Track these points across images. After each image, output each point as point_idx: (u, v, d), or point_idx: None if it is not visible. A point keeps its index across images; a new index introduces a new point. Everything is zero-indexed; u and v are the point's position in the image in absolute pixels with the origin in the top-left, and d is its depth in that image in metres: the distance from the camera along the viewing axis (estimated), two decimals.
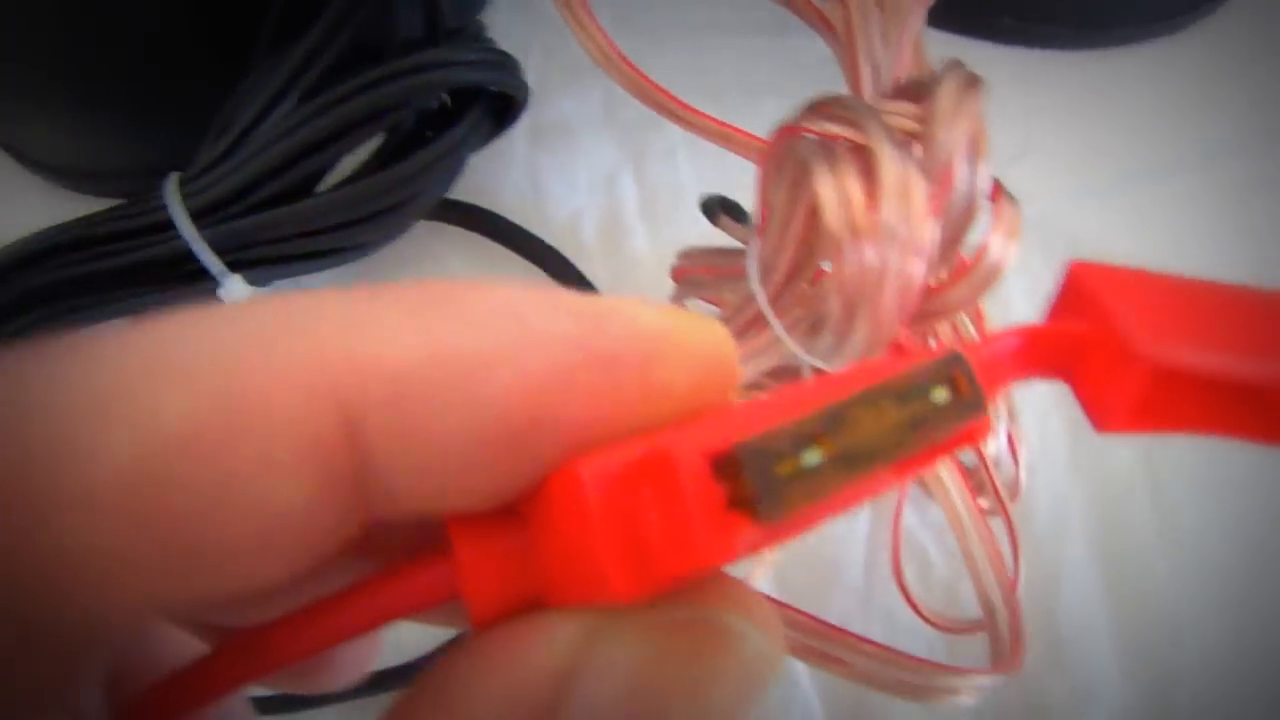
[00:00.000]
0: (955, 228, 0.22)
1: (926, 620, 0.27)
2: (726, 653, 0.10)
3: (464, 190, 0.31)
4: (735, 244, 0.27)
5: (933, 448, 0.11)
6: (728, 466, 0.10)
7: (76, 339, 0.10)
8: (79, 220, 0.28)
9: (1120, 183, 0.33)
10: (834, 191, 0.21)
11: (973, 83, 0.22)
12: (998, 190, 0.23)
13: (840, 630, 0.21)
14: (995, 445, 0.27)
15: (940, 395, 0.11)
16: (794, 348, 0.24)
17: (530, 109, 0.31)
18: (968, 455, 0.27)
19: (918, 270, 0.21)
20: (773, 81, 0.33)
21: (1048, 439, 0.30)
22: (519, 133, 0.32)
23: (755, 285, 0.23)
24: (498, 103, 0.28)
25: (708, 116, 0.28)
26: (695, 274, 0.27)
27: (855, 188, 0.21)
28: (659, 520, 0.10)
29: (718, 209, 0.28)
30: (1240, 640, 0.29)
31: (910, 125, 0.22)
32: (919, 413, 0.10)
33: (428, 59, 0.26)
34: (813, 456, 0.10)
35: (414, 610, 0.11)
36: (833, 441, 0.10)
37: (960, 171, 0.21)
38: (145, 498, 0.09)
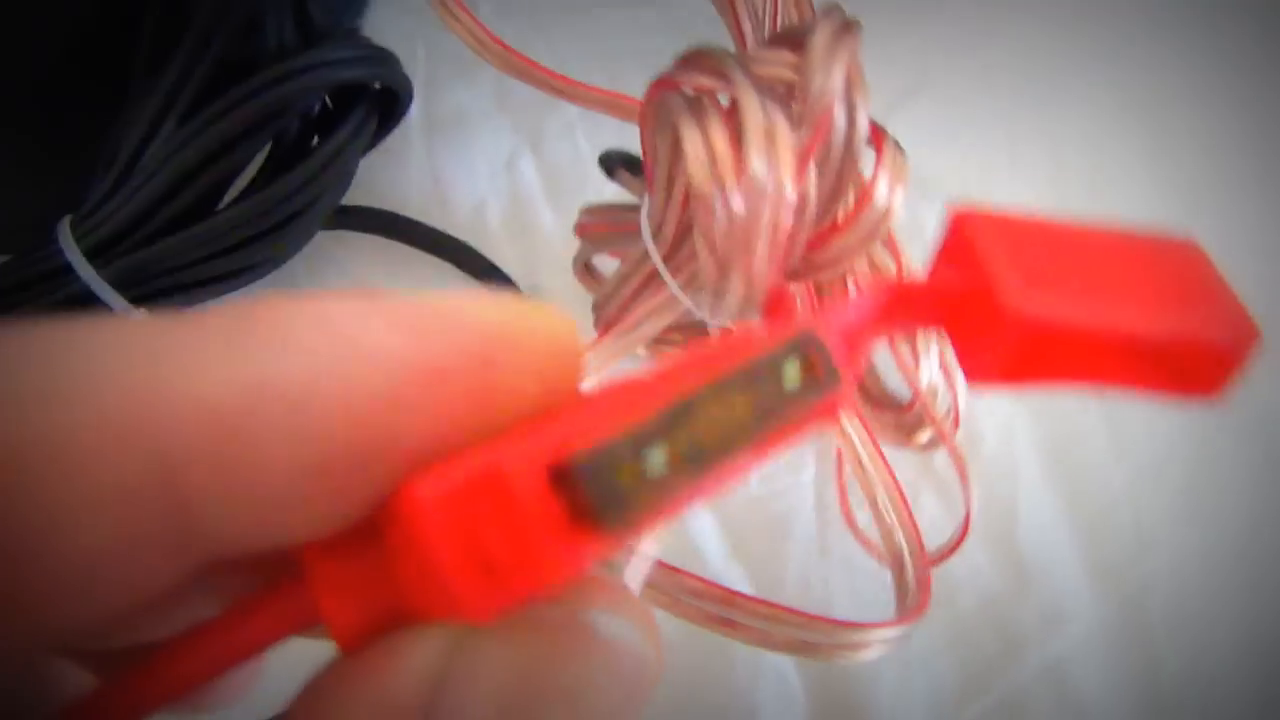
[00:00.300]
0: (835, 176, 0.22)
1: (880, 557, 0.27)
2: (598, 652, 0.10)
3: (366, 194, 0.30)
4: (634, 199, 0.27)
5: (785, 431, 0.10)
6: (566, 478, 0.09)
7: None
8: None
9: (1015, 110, 0.33)
10: (700, 147, 0.21)
11: (848, 27, 0.22)
12: (882, 137, 0.23)
13: (737, 594, 0.21)
14: (929, 375, 0.27)
15: (791, 377, 0.10)
16: (689, 304, 0.23)
17: (423, 104, 0.31)
18: (903, 389, 0.27)
19: (787, 221, 0.21)
20: (664, 48, 0.33)
21: None
22: (414, 130, 0.32)
23: (649, 242, 0.23)
24: (382, 99, 0.28)
25: (593, 88, 0.28)
26: (596, 230, 0.27)
27: (722, 141, 0.21)
28: (501, 538, 0.09)
29: (616, 164, 0.28)
30: (1207, 543, 0.29)
31: (785, 74, 0.22)
32: (767, 399, 0.10)
33: (301, 62, 0.25)
34: (656, 459, 0.09)
35: (277, 639, 0.10)
36: (676, 441, 0.09)
37: (837, 118, 0.21)
38: None
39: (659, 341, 0.27)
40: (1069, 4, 0.34)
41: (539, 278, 0.30)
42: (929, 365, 0.27)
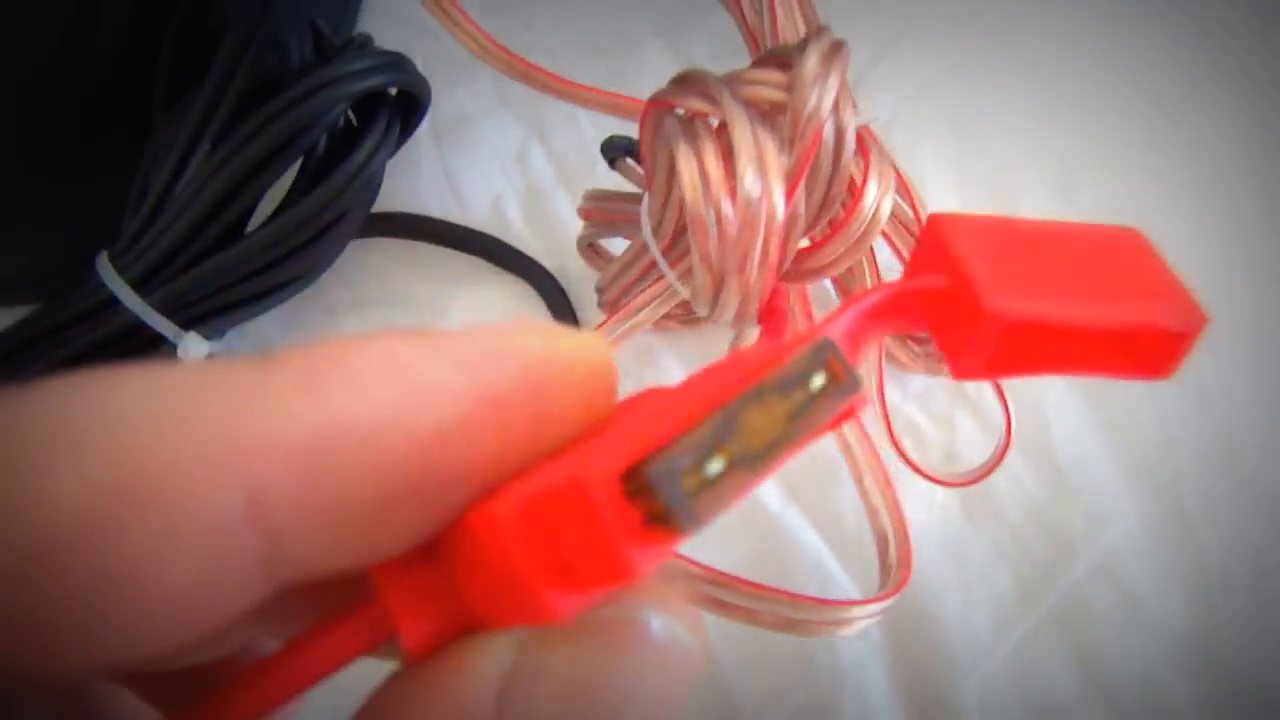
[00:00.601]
0: (824, 191, 0.23)
1: (932, 479, 0.29)
2: (652, 647, 0.11)
3: (384, 203, 0.31)
4: (635, 188, 0.28)
5: (817, 430, 0.11)
6: (639, 487, 0.10)
7: None
8: (20, 322, 0.28)
9: (992, 61, 0.35)
10: (694, 171, 0.22)
11: (837, 49, 0.23)
12: (868, 148, 0.24)
13: (726, 575, 0.22)
14: None
15: (818, 381, 0.11)
16: (687, 295, 0.25)
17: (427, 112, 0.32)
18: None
19: (779, 237, 0.22)
20: (652, 26, 0.34)
21: None
22: (424, 137, 0.33)
23: (649, 237, 0.25)
24: (400, 104, 0.29)
25: (593, 89, 0.30)
26: (598, 216, 0.28)
27: (714, 165, 0.22)
28: (582, 544, 0.10)
29: (618, 152, 0.29)
30: (1227, 431, 0.31)
31: (776, 96, 0.23)
32: (801, 402, 0.11)
33: (324, 76, 0.26)
34: (715, 465, 0.10)
35: (353, 656, 0.11)
36: (730, 446, 0.11)
37: (826, 138, 0.22)
38: (33, 577, 0.09)
39: (662, 319, 0.28)
40: None
41: (562, 259, 0.31)
42: None
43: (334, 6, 0.32)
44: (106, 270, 0.28)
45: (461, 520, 0.11)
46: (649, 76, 0.32)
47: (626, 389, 0.29)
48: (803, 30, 0.28)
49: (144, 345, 0.28)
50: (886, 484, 0.27)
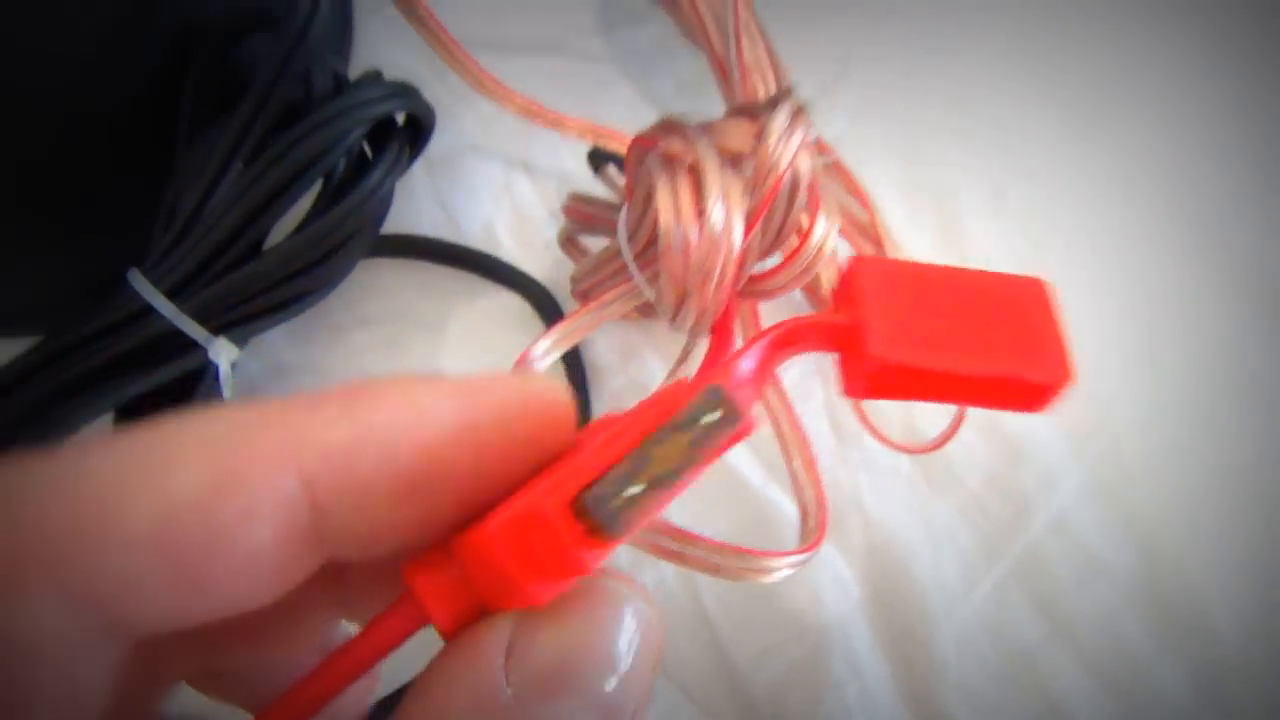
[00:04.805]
0: (778, 229, 0.30)
1: (896, 447, 0.35)
2: (608, 610, 0.17)
3: (387, 227, 0.38)
4: (613, 196, 0.35)
5: (712, 454, 0.17)
6: (580, 509, 0.16)
7: (111, 437, 0.16)
8: (61, 331, 0.34)
9: (933, 85, 0.43)
10: (669, 204, 0.29)
11: (801, 111, 0.30)
12: (819, 196, 0.31)
13: (679, 530, 0.29)
14: None
15: (709, 418, 0.17)
16: (650, 295, 0.31)
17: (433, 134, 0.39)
18: None
19: (734, 265, 0.29)
20: (622, 69, 0.42)
21: None
22: (418, 170, 0.39)
23: (623, 243, 0.31)
24: (409, 129, 0.35)
25: (576, 120, 0.37)
26: (579, 215, 0.35)
27: (687, 200, 0.29)
28: (548, 551, 0.16)
29: (604, 161, 0.36)
30: (1159, 393, 0.38)
31: (743, 145, 0.30)
32: (698, 435, 0.16)
33: (345, 104, 0.33)
34: (634, 489, 0.16)
35: (402, 639, 0.18)
36: (645, 473, 0.16)
37: (784, 187, 0.29)
38: (163, 543, 0.15)
39: (623, 317, 0.35)
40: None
41: (550, 275, 0.38)
42: None
43: (335, 46, 0.39)
44: (141, 283, 0.33)
45: (466, 535, 0.17)
46: (620, 113, 0.40)
47: (613, 383, 0.36)
48: (765, 58, 0.35)
49: (175, 351, 0.34)
50: (811, 463, 0.33)
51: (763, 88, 0.35)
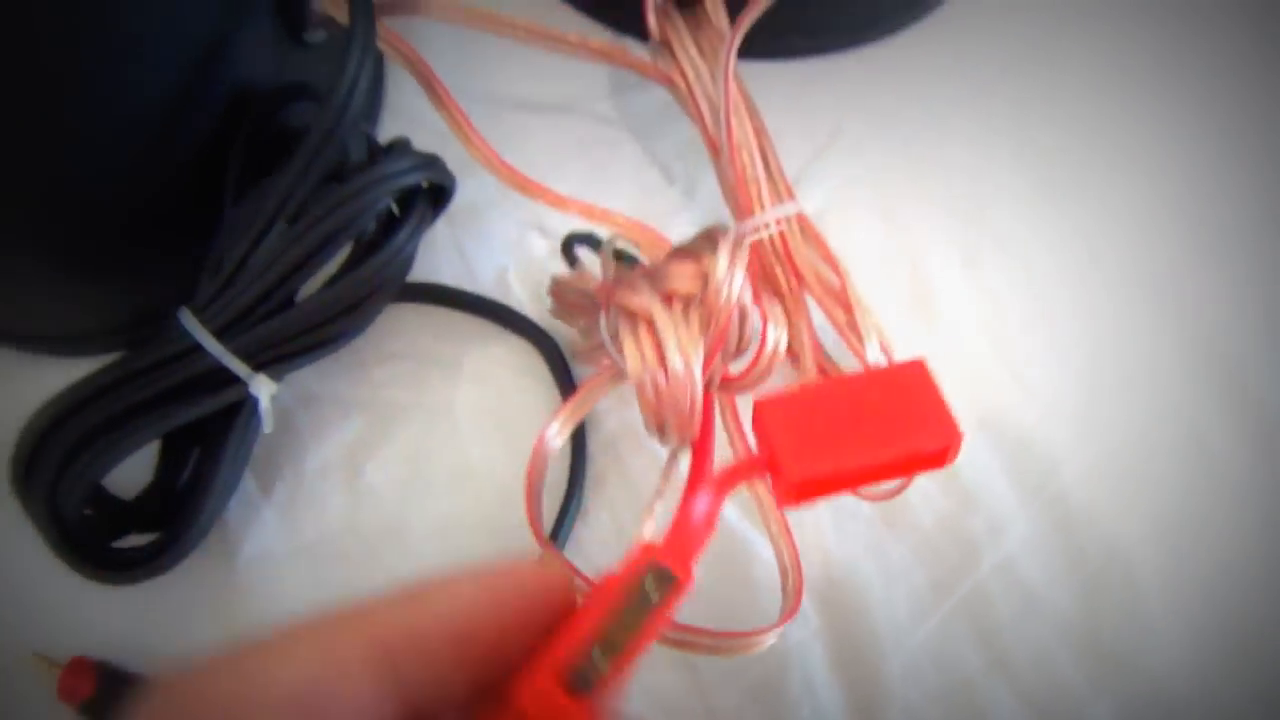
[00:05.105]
0: (735, 348, 0.35)
1: (858, 495, 0.40)
2: None
3: (410, 275, 0.42)
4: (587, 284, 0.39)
5: (661, 615, 0.23)
6: (567, 683, 0.21)
7: (231, 654, 0.21)
8: (111, 365, 0.38)
9: (913, 156, 0.47)
10: (635, 355, 0.34)
11: (739, 246, 0.34)
12: (766, 310, 0.35)
13: (684, 626, 0.35)
14: (874, 353, 0.39)
15: (652, 589, 0.23)
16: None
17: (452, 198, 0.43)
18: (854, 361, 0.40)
19: (699, 396, 0.34)
20: (629, 132, 0.46)
21: (913, 339, 0.43)
22: (440, 222, 0.44)
23: (608, 342, 0.36)
24: (431, 194, 0.40)
25: (574, 201, 0.41)
26: (562, 304, 0.40)
27: (650, 351, 0.34)
28: (555, 714, 0.21)
29: (577, 243, 0.40)
30: (1102, 457, 0.42)
31: (692, 288, 0.34)
32: (644, 605, 0.22)
33: (378, 174, 0.37)
34: (601, 660, 0.21)
35: None
36: (606, 646, 0.21)
37: (735, 318, 0.34)
38: (286, 712, 0.20)
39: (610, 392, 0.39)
40: (965, 78, 0.49)
41: (557, 323, 0.42)
42: (873, 346, 0.39)
43: (368, 112, 0.44)
44: (191, 323, 0.38)
45: (507, 700, 0.22)
46: (625, 171, 0.44)
47: (609, 424, 0.40)
48: (752, 137, 0.40)
49: (218, 385, 0.38)
50: (786, 532, 0.38)
51: (750, 163, 0.39)
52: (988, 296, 0.44)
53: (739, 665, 0.38)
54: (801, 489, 0.26)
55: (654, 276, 0.35)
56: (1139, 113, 0.48)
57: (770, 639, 0.35)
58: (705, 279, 0.34)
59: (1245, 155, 0.47)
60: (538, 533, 0.37)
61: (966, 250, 0.45)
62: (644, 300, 0.34)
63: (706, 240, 0.35)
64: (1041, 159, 0.47)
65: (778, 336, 0.35)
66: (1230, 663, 0.39)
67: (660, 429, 0.35)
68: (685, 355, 0.34)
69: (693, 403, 0.34)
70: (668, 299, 0.34)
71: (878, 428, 0.25)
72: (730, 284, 0.33)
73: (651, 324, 0.34)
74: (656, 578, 0.22)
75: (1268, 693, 0.39)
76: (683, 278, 0.34)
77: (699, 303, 0.34)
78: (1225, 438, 0.42)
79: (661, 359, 0.34)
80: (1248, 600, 0.40)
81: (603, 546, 0.40)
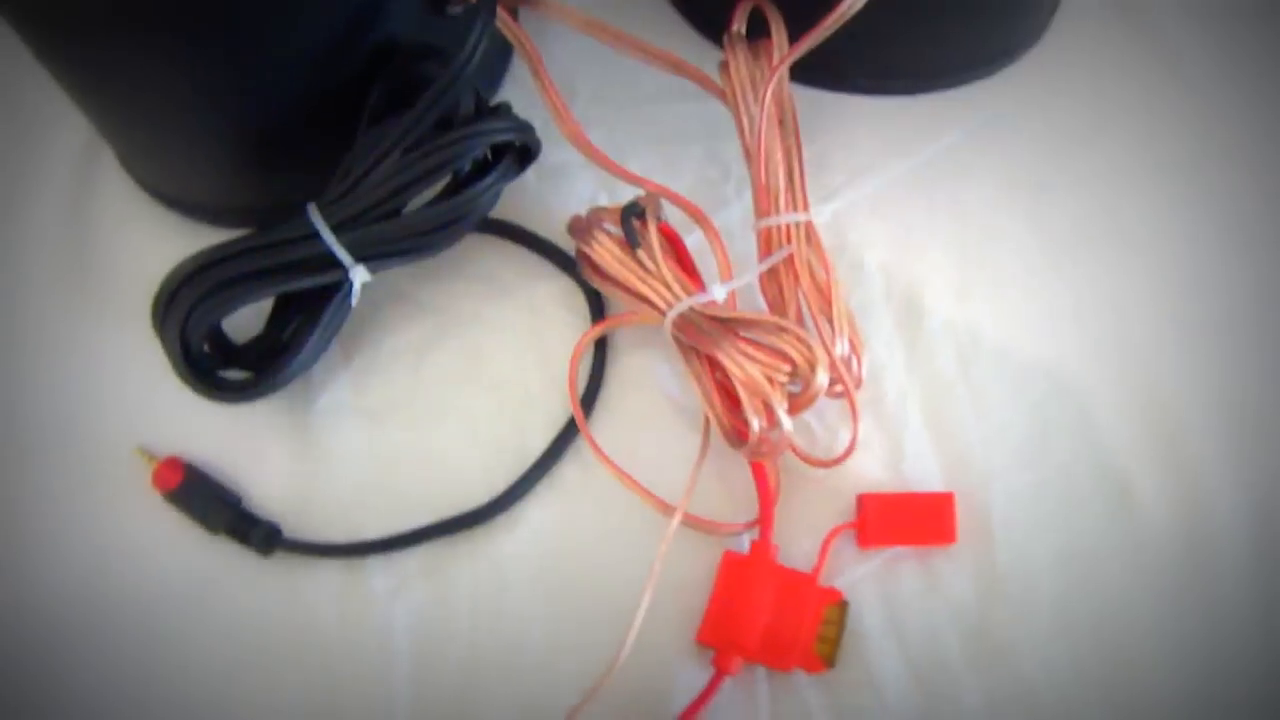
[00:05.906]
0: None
1: (809, 460, 0.49)
2: None
3: (499, 213, 0.52)
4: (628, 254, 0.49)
5: None
6: None
7: None
8: (244, 237, 0.49)
9: (933, 186, 0.55)
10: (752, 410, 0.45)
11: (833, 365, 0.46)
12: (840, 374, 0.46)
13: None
14: (842, 349, 0.48)
15: None
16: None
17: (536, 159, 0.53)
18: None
19: (789, 433, 0.45)
20: (699, 129, 0.56)
21: (894, 351, 0.52)
22: (531, 174, 0.54)
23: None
24: (521, 152, 0.50)
25: (642, 179, 0.51)
26: (597, 278, 0.49)
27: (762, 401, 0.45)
28: None
29: (631, 220, 0.50)
30: (1030, 478, 0.49)
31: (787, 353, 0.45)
32: None
33: (481, 128, 0.47)
34: None
35: None
36: None
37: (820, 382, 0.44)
38: None
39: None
40: (973, 122, 0.57)
41: None
42: (843, 338, 0.48)
43: (489, 77, 0.54)
44: (315, 215, 0.48)
45: None
46: (690, 165, 0.54)
47: (629, 359, 0.51)
48: (780, 151, 0.48)
49: (324, 268, 0.49)
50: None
51: (773, 173, 0.49)
52: (966, 329, 0.52)
53: None
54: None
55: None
56: (1145, 208, 0.55)
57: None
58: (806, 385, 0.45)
59: (1232, 251, 0.54)
60: (574, 398, 0.50)
61: (962, 284, 0.53)
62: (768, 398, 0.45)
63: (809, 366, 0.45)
64: (1053, 224, 0.55)
65: (820, 383, 0.46)
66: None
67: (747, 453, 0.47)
68: (782, 428, 0.45)
69: (787, 440, 0.46)
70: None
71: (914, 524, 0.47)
72: (821, 372, 0.45)
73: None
74: None
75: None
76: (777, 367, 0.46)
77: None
78: (1149, 483, 0.49)
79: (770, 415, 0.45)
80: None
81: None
